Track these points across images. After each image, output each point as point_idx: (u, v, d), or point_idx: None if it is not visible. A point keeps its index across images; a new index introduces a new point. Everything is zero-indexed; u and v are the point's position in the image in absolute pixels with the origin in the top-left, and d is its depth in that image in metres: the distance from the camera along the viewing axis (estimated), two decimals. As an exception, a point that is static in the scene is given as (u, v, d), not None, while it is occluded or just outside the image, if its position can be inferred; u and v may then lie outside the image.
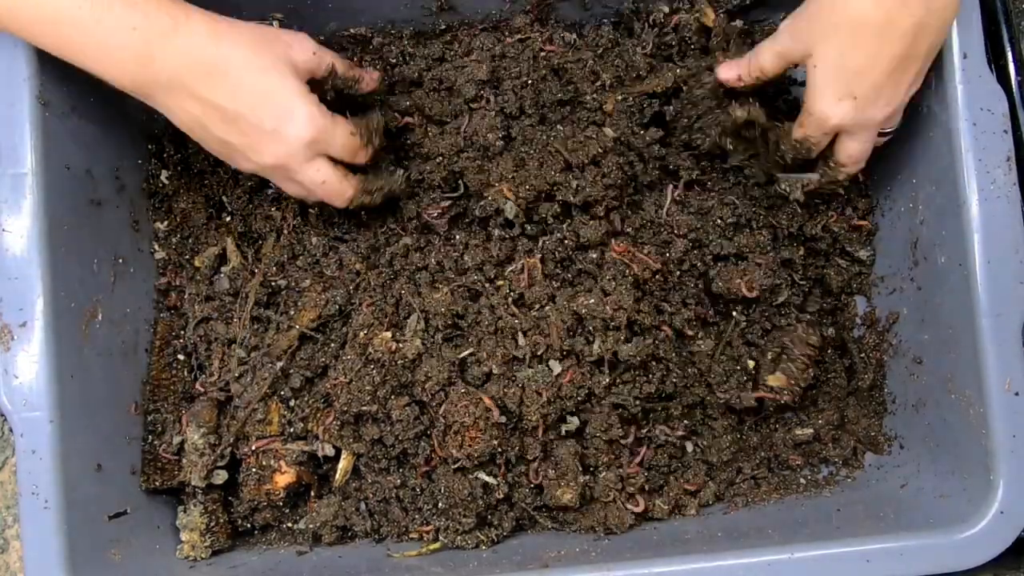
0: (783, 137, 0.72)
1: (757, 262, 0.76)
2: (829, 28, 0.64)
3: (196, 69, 0.63)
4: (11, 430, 0.75)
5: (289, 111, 0.66)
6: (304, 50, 0.68)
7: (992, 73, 0.67)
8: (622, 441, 0.75)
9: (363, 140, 0.70)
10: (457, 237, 0.78)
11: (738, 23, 0.78)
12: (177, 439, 0.76)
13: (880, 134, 0.71)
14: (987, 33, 0.68)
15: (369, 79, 0.74)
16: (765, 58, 0.70)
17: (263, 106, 0.65)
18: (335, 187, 0.70)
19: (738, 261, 0.78)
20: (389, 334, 0.72)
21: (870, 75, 0.64)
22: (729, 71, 0.73)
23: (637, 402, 0.75)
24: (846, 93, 0.65)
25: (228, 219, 0.82)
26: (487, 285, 0.75)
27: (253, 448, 0.75)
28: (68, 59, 0.64)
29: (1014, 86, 0.72)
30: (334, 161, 0.70)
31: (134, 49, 0.62)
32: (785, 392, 0.76)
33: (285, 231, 0.80)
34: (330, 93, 0.72)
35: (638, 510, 0.75)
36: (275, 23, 0.80)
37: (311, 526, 0.76)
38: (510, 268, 0.75)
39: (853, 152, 0.71)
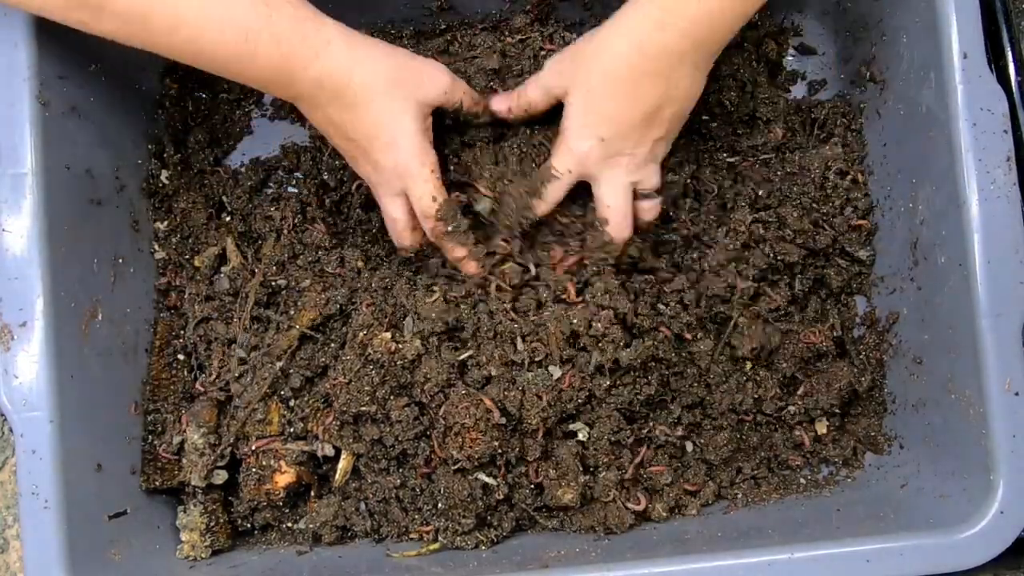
0: (524, 175, 0.74)
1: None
2: (586, 73, 0.69)
3: (328, 95, 0.67)
4: (11, 430, 0.75)
5: (392, 144, 0.70)
6: (436, 87, 0.71)
7: (992, 73, 0.67)
8: (622, 441, 0.75)
9: (437, 212, 0.72)
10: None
11: None
12: (177, 439, 0.76)
13: (641, 194, 0.74)
14: (987, 33, 0.68)
15: (487, 111, 0.77)
16: (532, 92, 0.74)
17: (375, 139, 0.69)
18: (398, 229, 0.75)
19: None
20: (389, 334, 0.72)
21: (616, 123, 0.69)
22: (500, 103, 0.76)
23: (637, 403, 0.75)
24: (594, 134, 0.70)
25: (228, 219, 0.82)
26: (486, 284, 0.75)
27: (253, 448, 0.75)
28: (208, 69, 0.66)
29: (1014, 86, 0.72)
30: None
31: (276, 76, 0.66)
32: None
33: (285, 231, 0.80)
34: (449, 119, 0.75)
35: (639, 508, 0.75)
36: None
37: (311, 526, 0.76)
38: (502, 267, 0.75)
39: (608, 201, 0.72)
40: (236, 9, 0.63)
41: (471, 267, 0.74)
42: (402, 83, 0.69)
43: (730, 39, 0.68)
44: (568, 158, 0.71)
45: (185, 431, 0.76)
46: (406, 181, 0.71)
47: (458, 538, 0.73)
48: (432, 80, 0.71)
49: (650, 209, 0.75)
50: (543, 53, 0.80)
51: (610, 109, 0.69)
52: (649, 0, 0.66)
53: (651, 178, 0.73)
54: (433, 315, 0.72)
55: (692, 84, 0.69)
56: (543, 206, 0.74)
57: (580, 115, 0.70)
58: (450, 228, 0.72)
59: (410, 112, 0.69)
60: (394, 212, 0.74)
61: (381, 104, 0.68)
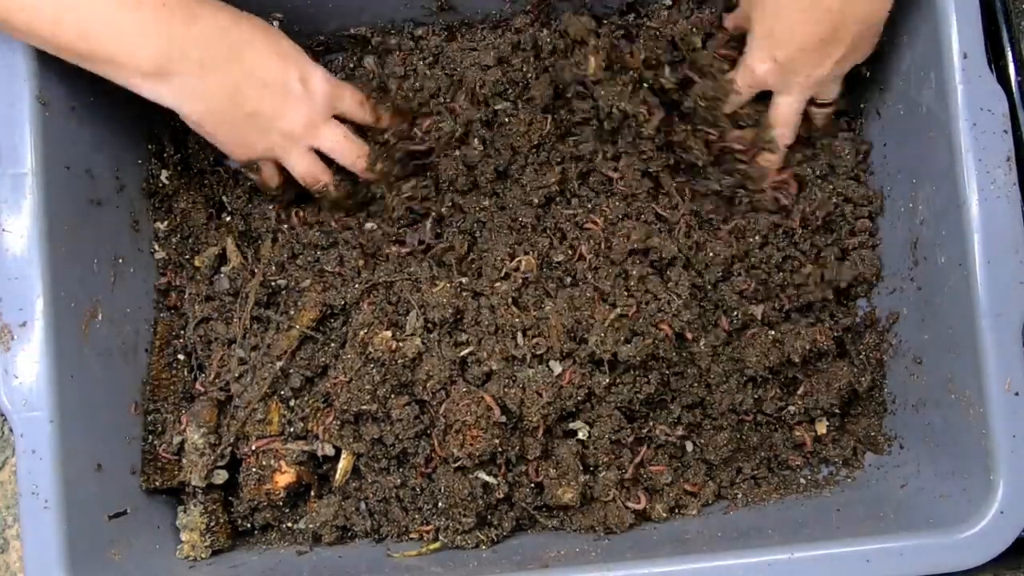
0: (720, 82, 0.76)
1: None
2: (762, 5, 0.72)
3: (226, 43, 0.68)
4: (11, 430, 0.75)
5: (310, 72, 0.73)
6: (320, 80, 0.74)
7: (992, 73, 0.67)
8: (622, 441, 0.76)
9: (371, 108, 0.76)
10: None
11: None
12: (177, 439, 0.76)
13: (818, 104, 0.77)
14: (987, 33, 0.68)
15: (386, 118, 0.79)
16: (731, 23, 0.78)
17: (289, 70, 0.71)
18: (355, 144, 0.76)
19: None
20: (389, 333, 0.72)
21: (789, 46, 0.71)
22: (729, 22, 0.79)
23: (637, 402, 0.75)
24: (768, 56, 0.73)
25: (228, 219, 0.82)
26: (488, 277, 0.75)
27: (253, 448, 0.75)
28: (84, 52, 0.64)
29: (1014, 86, 0.72)
30: None
31: (161, 30, 0.64)
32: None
33: (285, 229, 0.80)
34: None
35: (639, 507, 0.75)
36: (275, 23, 0.80)
37: (311, 526, 0.76)
38: (509, 263, 0.75)
39: (781, 111, 0.76)
40: None
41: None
42: (273, 30, 0.73)
43: None
44: (747, 76, 0.75)
45: (185, 431, 0.76)
46: (336, 96, 0.75)
47: (458, 537, 0.73)
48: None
49: (823, 116, 0.78)
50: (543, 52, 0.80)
51: (784, 31, 0.71)
52: None
53: (830, 92, 0.76)
54: (444, 301, 0.72)
55: (873, 2, 0.69)
56: (728, 107, 0.77)
57: (757, 36, 0.73)
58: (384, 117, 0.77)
59: (303, 52, 0.74)
60: (339, 131, 0.76)
61: (278, 41, 0.71)
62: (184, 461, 0.75)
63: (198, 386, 0.78)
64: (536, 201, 0.79)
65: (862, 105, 0.81)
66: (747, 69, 0.75)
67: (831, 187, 0.80)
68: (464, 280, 0.75)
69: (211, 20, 0.67)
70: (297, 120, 0.73)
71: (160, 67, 0.66)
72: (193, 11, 0.66)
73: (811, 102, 0.77)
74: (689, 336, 0.76)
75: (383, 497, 0.76)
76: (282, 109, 0.72)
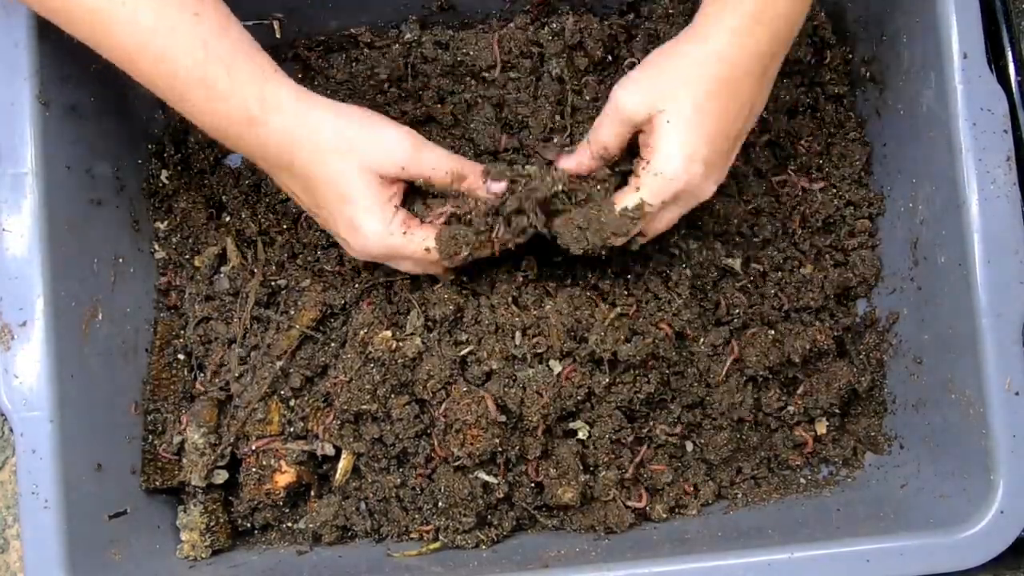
0: (604, 211, 0.64)
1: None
2: (676, 91, 0.61)
3: (276, 161, 0.63)
4: (11, 430, 0.75)
5: (356, 227, 0.63)
6: (390, 162, 0.63)
7: (992, 73, 0.67)
8: (622, 440, 0.76)
9: (441, 256, 0.65)
10: None
11: None
12: (177, 439, 0.76)
13: None
14: (987, 33, 0.68)
15: (485, 193, 0.66)
16: (608, 131, 0.64)
17: (335, 216, 0.64)
18: (427, 268, 0.68)
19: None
20: (389, 333, 0.72)
21: (717, 141, 0.62)
22: (568, 162, 0.66)
23: (637, 402, 0.75)
24: (699, 157, 0.61)
25: (228, 219, 0.82)
26: (488, 276, 0.75)
27: (253, 448, 0.75)
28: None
29: (1014, 86, 0.72)
30: None
31: (216, 130, 0.62)
32: None
33: (285, 228, 0.80)
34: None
35: (639, 505, 0.75)
36: (276, 24, 0.80)
37: (311, 526, 0.76)
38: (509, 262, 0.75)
39: (670, 220, 0.65)
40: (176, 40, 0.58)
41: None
42: (352, 149, 0.62)
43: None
44: (664, 189, 0.62)
45: (185, 431, 0.76)
46: (391, 256, 0.66)
47: (458, 537, 0.73)
48: (387, 151, 0.63)
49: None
50: (542, 52, 0.80)
51: (710, 127, 0.61)
52: (736, 4, 0.60)
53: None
54: (445, 297, 0.72)
55: (768, 90, 0.64)
56: (622, 240, 0.64)
57: (681, 136, 0.61)
58: (463, 252, 0.65)
59: (363, 184, 0.62)
60: (405, 267, 0.68)
61: (329, 175, 0.62)
62: (184, 461, 0.75)
63: (198, 386, 0.78)
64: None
65: (862, 105, 0.82)
66: (668, 175, 0.61)
67: (833, 189, 0.80)
68: (464, 279, 0.75)
69: (266, 132, 0.61)
70: (353, 253, 0.67)
71: (240, 152, 0.65)
72: (254, 117, 0.60)
73: None
74: (689, 336, 0.76)
75: (383, 497, 0.76)
76: (332, 229, 0.67)
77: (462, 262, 0.66)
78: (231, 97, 0.60)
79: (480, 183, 0.66)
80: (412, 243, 0.65)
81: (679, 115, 0.61)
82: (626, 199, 0.63)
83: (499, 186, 0.65)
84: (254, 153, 0.63)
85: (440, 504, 0.73)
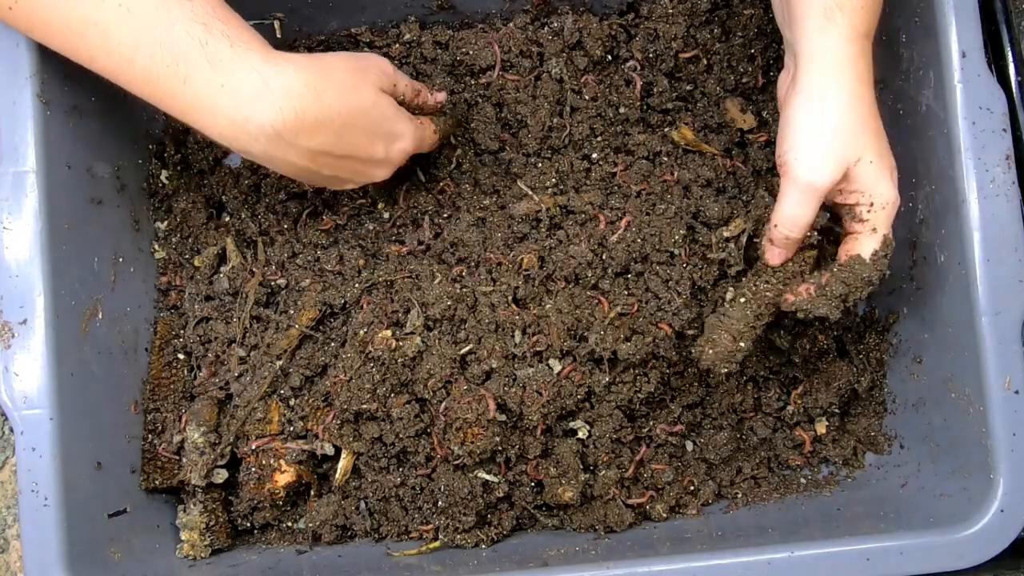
0: (854, 268, 0.66)
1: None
2: (861, 128, 0.63)
3: (297, 124, 0.61)
4: (11, 429, 0.75)
5: (396, 135, 0.69)
6: (384, 76, 0.69)
7: (992, 73, 0.67)
8: (622, 440, 0.76)
9: (441, 135, 0.75)
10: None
11: None
12: (177, 438, 0.76)
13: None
14: (987, 33, 0.68)
15: (433, 102, 0.75)
16: (800, 212, 0.65)
17: (372, 138, 0.67)
18: (424, 145, 0.73)
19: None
20: (389, 332, 0.72)
21: (886, 149, 0.66)
22: (778, 256, 0.69)
23: (637, 401, 0.75)
24: (893, 170, 0.66)
25: (228, 219, 0.82)
26: (488, 275, 0.75)
27: (253, 447, 0.75)
28: (174, 115, 0.62)
29: (1014, 86, 0.72)
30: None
31: (226, 109, 0.60)
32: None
33: (285, 227, 0.81)
34: None
35: (639, 503, 0.75)
36: (276, 24, 0.80)
37: (311, 525, 0.76)
38: (509, 255, 0.75)
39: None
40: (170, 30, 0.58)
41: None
42: (361, 73, 0.66)
43: None
44: (893, 213, 0.66)
45: (185, 430, 0.76)
46: (419, 148, 0.72)
47: (458, 536, 0.73)
48: (380, 67, 0.69)
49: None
50: (542, 51, 0.81)
51: (882, 145, 0.65)
52: (836, 19, 0.61)
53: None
54: (444, 298, 0.72)
55: None
56: (884, 275, 0.67)
57: (883, 167, 0.64)
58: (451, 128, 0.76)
59: (383, 99, 0.67)
60: (407, 152, 0.71)
61: (356, 105, 0.64)
62: (184, 460, 0.75)
63: (198, 385, 0.78)
64: (537, 199, 0.79)
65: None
66: (893, 201, 0.65)
67: None
68: (465, 278, 0.75)
69: (281, 96, 0.60)
70: (378, 178, 0.71)
71: (234, 145, 0.62)
72: (261, 80, 0.60)
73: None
74: (689, 335, 0.76)
75: (383, 496, 0.76)
76: (360, 170, 0.69)
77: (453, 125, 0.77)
78: (234, 74, 0.59)
79: (428, 95, 0.74)
80: (427, 129, 0.73)
81: (876, 152, 0.64)
82: (867, 244, 0.66)
83: (441, 95, 0.75)
84: (267, 125, 0.61)
85: (440, 503, 0.73)
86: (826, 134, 0.63)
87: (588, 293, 0.75)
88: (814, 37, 0.63)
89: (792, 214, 0.65)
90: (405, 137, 0.69)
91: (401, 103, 0.71)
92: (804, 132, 0.63)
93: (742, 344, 0.69)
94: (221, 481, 0.75)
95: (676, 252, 0.76)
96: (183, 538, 0.75)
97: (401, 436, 0.73)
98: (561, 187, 0.80)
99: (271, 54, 0.61)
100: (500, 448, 0.71)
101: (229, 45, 0.60)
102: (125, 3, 0.58)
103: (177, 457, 0.76)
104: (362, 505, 0.77)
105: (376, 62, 0.69)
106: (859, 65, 0.63)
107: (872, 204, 0.65)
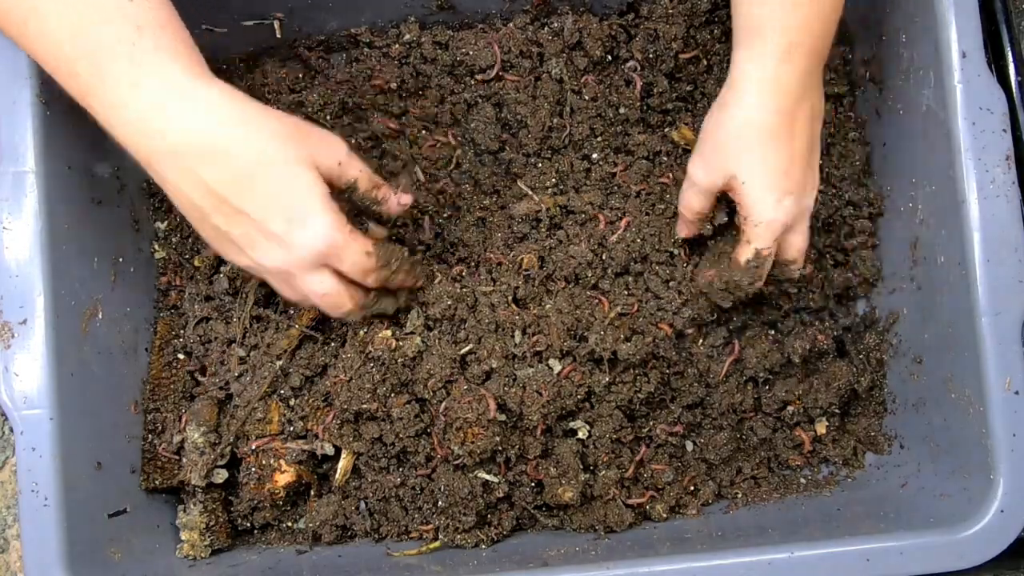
0: (733, 269, 0.70)
1: None
2: (742, 148, 0.66)
3: (203, 148, 0.57)
4: (11, 429, 0.75)
5: (302, 217, 0.59)
6: (331, 155, 0.62)
7: (992, 73, 0.67)
8: (622, 440, 0.76)
9: (378, 263, 0.65)
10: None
11: None
12: (177, 438, 0.76)
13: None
14: (987, 33, 0.68)
15: (396, 203, 0.67)
16: (695, 200, 0.71)
17: (273, 206, 0.58)
18: (334, 300, 0.65)
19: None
20: (389, 332, 0.72)
21: (795, 171, 0.66)
22: (684, 230, 0.75)
23: (637, 401, 0.75)
24: (784, 193, 0.66)
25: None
26: (489, 275, 0.75)
27: (253, 447, 0.75)
28: (95, 115, 0.58)
29: (1014, 86, 0.72)
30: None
31: (133, 112, 0.56)
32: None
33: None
34: (345, 206, 0.64)
35: (640, 502, 0.75)
36: (276, 24, 0.80)
37: (311, 525, 0.76)
38: (509, 255, 0.75)
39: (799, 244, 0.71)
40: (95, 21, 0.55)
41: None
42: (297, 137, 0.59)
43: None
44: (768, 232, 0.67)
45: (185, 430, 0.76)
46: (331, 253, 0.61)
47: (458, 536, 0.73)
48: (328, 144, 0.62)
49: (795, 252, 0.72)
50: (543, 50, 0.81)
51: (784, 162, 0.66)
52: (769, 34, 0.63)
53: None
54: (444, 298, 0.72)
55: (822, 95, 0.69)
56: (759, 284, 0.71)
57: (763, 188, 0.66)
58: (395, 267, 0.67)
59: (311, 173, 0.59)
60: (322, 287, 0.63)
61: (276, 158, 0.58)
62: (184, 460, 0.75)
63: (198, 385, 0.78)
64: (537, 199, 0.79)
65: (862, 105, 0.82)
66: (767, 221, 0.67)
67: (833, 190, 0.80)
68: (465, 278, 0.75)
69: (199, 113, 0.56)
70: (267, 262, 0.61)
71: (134, 150, 0.58)
72: (184, 91, 0.57)
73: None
74: (689, 335, 0.76)
75: (383, 496, 0.76)
76: (254, 245, 0.60)
77: (385, 281, 0.67)
78: (154, 76, 0.56)
79: (391, 194, 0.66)
80: (355, 242, 0.62)
81: (750, 172, 0.66)
82: (744, 253, 0.69)
83: (407, 198, 0.67)
84: (172, 138, 0.56)
85: (440, 503, 0.73)
86: (708, 144, 0.68)
87: (588, 293, 0.75)
88: (735, 57, 0.66)
89: (684, 196, 0.72)
90: (315, 230, 0.59)
91: (351, 195, 0.64)
92: (702, 134, 0.69)
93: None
94: (221, 481, 0.75)
95: (676, 252, 0.76)
96: (183, 538, 0.75)
97: (401, 436, 0.73)
98: (561, 187, 0.80)
99: (201, 73, 0.58)
100: (500, 448, 0.71)
101: (154, 49, 0.56)
102: None
103: (177, 457, 0.76)
104: (362, 505, 0.77)
105: (328, 139, 0.62)
106: (765, 90, 0.64)
107: (747, 218, 0.68)
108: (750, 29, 0.64)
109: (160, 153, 0.57)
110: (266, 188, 0.58)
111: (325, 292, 0.64)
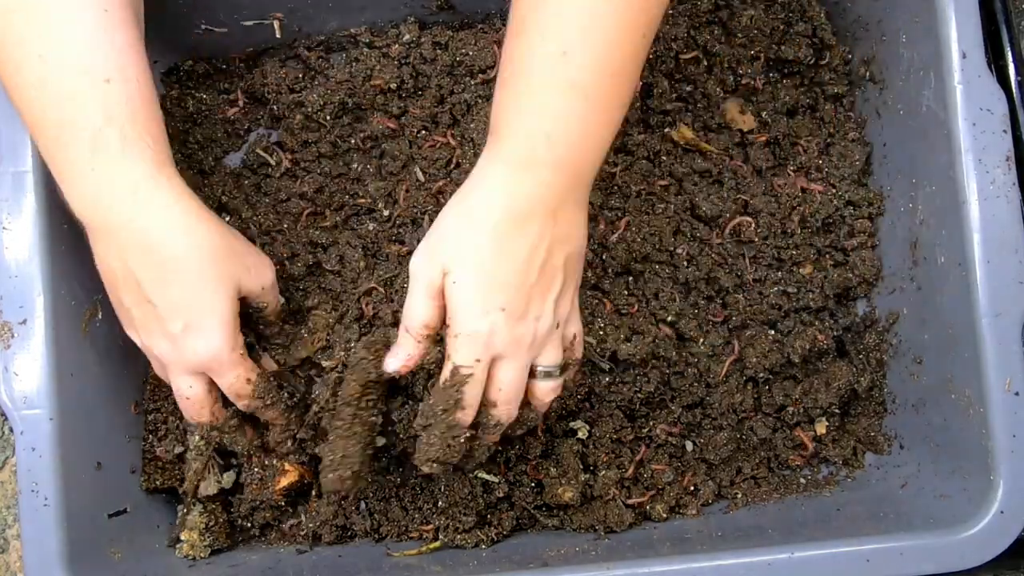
0: (432, 395, 0.62)
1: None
2: (459, 243, 0.59)
3: (138, 239, 0.60)
4: (11, 429, 0.75)
5: (199, 328, 0.62)
6: (259, 279, 0.66)
7: (992, 73, 0.67)
8: (623, 439, 0.76)
9: (254, 393, 0.66)
10: None
11: None
12: (179, 449, 0.76)
13: (541, 373, 0.63)
14: (987, 33, 0.68)
15: (267, 359, 0.71)
16: (417, 305, 0.61)
17: (180, 311, 0.61)
18: (194, 407, 0.67)
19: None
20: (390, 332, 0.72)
21: (513, 286, 0.58)
22: (395, 363, 0.63)
23: (638, 402, 0.75)
24: (494, 305, 0.58)
25: (227, 218, 0.82)
26: None
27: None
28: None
29: (1014, 86, 0.72)
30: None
31: (85, 195, 0.60)
32: None
33: (286, 227, 0.80)
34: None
35: (640, 502, 0.75)
36: (276, 24, 0.80)
37: (311, 526, 0.76)
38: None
39: (508, 380, 0.61)
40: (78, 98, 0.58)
41: (278, 433, 0.70)
42: (228, 258, 0.63)
43: (599, 166, 0.59)
44: (469, 346, 0.59)
45: (187, 438, 0.75)
46: (213, 367, 0.64)
47: (458, 536, 0.73)
48: (258, 271, 0.66)
49: (551, 390, 0.64)
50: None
51: (502, 272, 0.58)
52: (509, 137, 0.57)
53: (552, 353, 0.62)
54: None
55: (578, 224, 0.61)
56: (469, 413, 0.61)
57: (470, 290, 0.58)
58: (269, 402, 0.68)
59: (226, 295, 0.62)
60: (190, 391, 0.66)
61: (198, 273, 0.61)
62: (189, 472, 0.75)
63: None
64: None
65: (862, 105, 0.82)
66: (470, 332, 0.59)
67: (833, 189, 0.80)
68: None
69: (145, 209, 0.59)
70: (154, 349, 0.64)
71: (77, 213, 0.61)
72: (135, 186, 0.59)
73: (532, 372, 0.63)
74: (689, 336, 0.76)
75: (383, 497, 0.76)
76: (149, 331, 0.63)
77: (254, 411, 0.68)
78: (115, 164, 0.59)
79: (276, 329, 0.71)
80: (240, 367, 0.65)
81: (463, 272, 0.59)
82: (443, 372, 0.61)
83: (270, 363, 0.70)
84: (111, 222, 0.60)
85: (440, 503, 0.73)
86: (435, 232, 0.61)
87: (588, 293, 0.75)
88: (482, 151, 0.61)
89: (407, 304, 0.62)
90: (207, 342, 0.62)
91: (259, 318, 0.68)
92: (434, 224, 0.61)
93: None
94: (230, 485, 0.75)
95: (676, 252, 0.76)
96: (183, 538, 0.75)
97: (402, 437, 0.72)
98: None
99: (160, 170, 0.61)
100: (500, 448, 0.71)
101: (120, 143, 0.59)
102: (55, 54, 0.58)
103: (179, 459, 0.76)
104: (362, 505, 0.77)
105: (260, 267, 0.66)
106: (497, 188, 0.58)
107: (448, 326, 0.60)
108: (493, 126, 0.59)
109: (99, 229, 0.61)
110: (178, 292, 0.61)
111: (188, 396, 0.66)
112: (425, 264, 0.60)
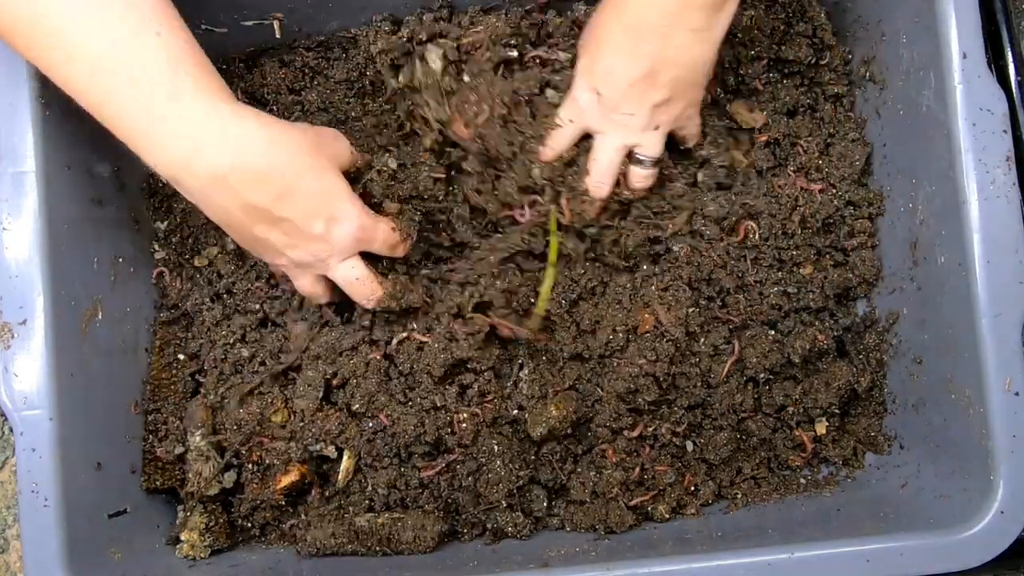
0: (540, 119, 0.73)
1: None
2: (590, 34, 0.70)
3: (245, 175, 0.62)
4: (11, 430, 0.75)
5: (338, 214, 0.66)
6: (342, 151, 0.70)
7: (992, 73, 0.67)
8: (625, 436, 0.76)
9: (402, 235, 0.71)
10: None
11: None
12: (179, 449, 0.76)
13: (634, 159, 0.72)
14: (987, 33, 0.68)
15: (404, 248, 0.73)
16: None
17: (314, 211, 0.65)
18: (367, 286, 0.71)
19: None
20: (405, 334, 0.72)
21: (613, 79, 0.68)
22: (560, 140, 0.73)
23: (639, 400, 0.75)
24: (592, 86, 0.70)
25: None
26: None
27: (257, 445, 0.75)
28: (118, 135, 0.61)
29: (1014, 86, 0.72)
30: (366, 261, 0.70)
31: (181, 145, 0.60)
32: None
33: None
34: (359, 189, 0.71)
35: (641, 502, 0.75)
36: (276, 24, 0.80)
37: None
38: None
39: (596, 155, 0.72)
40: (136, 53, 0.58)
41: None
42: (320, 146, 0.66)
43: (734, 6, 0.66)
44: (571, 108, 0.71)
45: (187, 438, 0.75)
46: (366, 238, 0.68)
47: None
48: (338, 142, 0.70)
49: (642, 178, 0.73)
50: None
51: (607, 65, 0.68)
52: None
53: (652, 146, 0.72)
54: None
55: (693, 48, 0.67)
56: (549, 152, 0.73)
57: (582, 69, 0.71)
58: (414, 234, 0.72)
59: (338, 175, 0.67)
60: (354, 272, 0.70)
61: (310, 170, 0.64)
62: (190, 473, 0.75)
63: (199, 386, 0.78)
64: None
65: (862, 105, 0.82)
66: (570, 100, 0.72)
67: (833, 189, 0.80)
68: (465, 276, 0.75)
69: (238, 144, 0.61)
70: (307, 257, 0.68)
71: (174, 177, 0.62)
72: (222, 126, 0.61)
73: (629, 157, 0.73)
74: (689, 336, 0.76)
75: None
76: (296, 244, 0.66)
77: (408, 250, 0.73)
78: (196, 112, 0.60)
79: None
80: (381, 222, 0.69)
81: (586, 55, 0.71)
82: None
83: (393, 162, 0.75)
84: (216, 168, 0.61)
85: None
86: (582, 38, 0.73)
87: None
88: None
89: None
90: (350, 221, 0.67)
91: (357, 175, 0.71)
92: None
93: None
94: (231, 485, 0.75)
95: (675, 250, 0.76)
96: (183, 538, 0.75)
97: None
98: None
99: (234, 103, 0.62)
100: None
101: (192, 83, 0.60)
102: (95, 20, 0.58)
103: (180, 459, 0.76)
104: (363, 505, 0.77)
105: (336, 138, 0.70)
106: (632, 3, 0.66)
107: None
108: None
109: (203, 183, 0.62)
110: (304, 197, 0.64)
111: (358, 276, 0.70)
112: (578, 53, 0.73)
